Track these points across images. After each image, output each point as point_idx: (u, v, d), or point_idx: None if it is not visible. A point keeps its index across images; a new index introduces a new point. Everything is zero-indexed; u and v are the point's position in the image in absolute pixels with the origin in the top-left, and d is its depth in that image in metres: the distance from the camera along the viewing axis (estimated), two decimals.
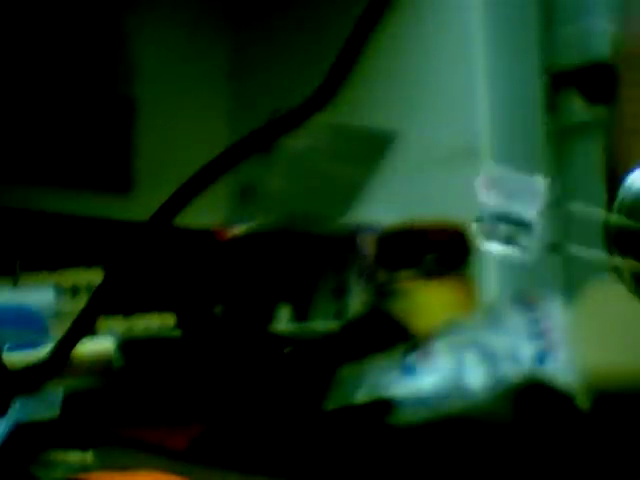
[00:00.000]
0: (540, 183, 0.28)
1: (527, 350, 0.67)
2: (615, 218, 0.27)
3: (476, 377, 0.66)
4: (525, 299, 0.72)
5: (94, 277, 1.04)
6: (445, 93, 1.73)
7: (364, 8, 0.45)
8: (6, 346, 0.67)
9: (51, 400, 0.70)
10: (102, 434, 0.74)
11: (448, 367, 0.67)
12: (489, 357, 0.67)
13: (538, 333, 0.68)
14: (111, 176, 2.30)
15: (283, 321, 0.97)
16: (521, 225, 0.30)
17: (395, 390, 0.67)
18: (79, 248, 1.26)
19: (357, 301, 1.00)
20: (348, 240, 1.04)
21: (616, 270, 0.28)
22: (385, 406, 0.66)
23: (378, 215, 1.12)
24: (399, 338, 0.76)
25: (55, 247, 1.30)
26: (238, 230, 1.02)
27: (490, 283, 1.19)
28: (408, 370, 0.69)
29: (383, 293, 0.96)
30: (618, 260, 0.27)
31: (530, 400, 0.64)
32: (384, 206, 1.14)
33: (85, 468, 0.67)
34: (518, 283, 1.16)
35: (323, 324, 0.93)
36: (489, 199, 0.29)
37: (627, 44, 0.32)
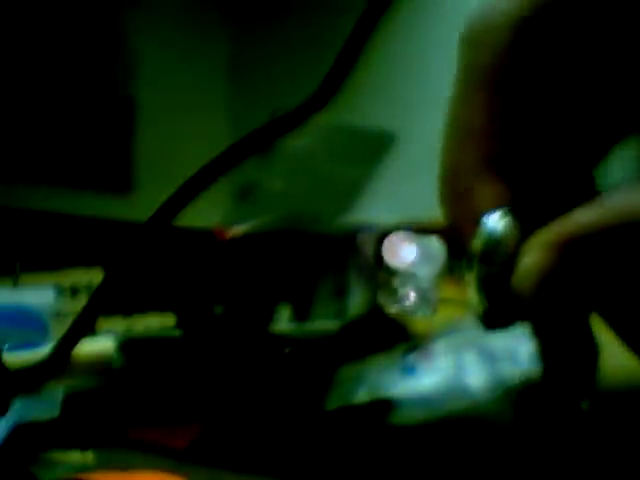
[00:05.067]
0: (436, 245, 0.32)
1: (527, 350, 0.67)
2: (469, 262, 0.30)
3: (476, 377, 0.66)
4: None
5: (94, 277, 1.04)
6: (445, 93, 1.73)
7: (364, 8, 0.45)
8: (6, 346, 0.67)
9: (51, 400, 0.70)
10: (102, 434, 0.74)
11: (448, 367, 0.67)
12: (489, 357, 0.67)
13: None
14: (111, 176, 2.31)
15: (283, 321, 0.97)
16: (419, 284, 0.33)
17: (395, 390, 0.67)
18: (79, 248, 1.26)
19: (357, 301, 1.00)
20: (348, 240, 1.04)
21: (468, 302, 0.31)
22: (385, 406, 0.66)
23: (378, 215, 1.12)
24: (399, 338, 0.76)
25: (55, 247, 1.30)
26: (238, 230, 1.02)
27: None
28: (408, 370, 0.69)
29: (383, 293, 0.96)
30: (472, 295, 0.30)
31: (530, 400, 0.64)
32: (384, 206, 1.14)
33: (85, 468, 0.67)
34: None
35: (323, 324, 0.93)
36: (392, 262, 0.32)
37: None
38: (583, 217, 0.28)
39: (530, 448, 0.61)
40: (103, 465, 0.69)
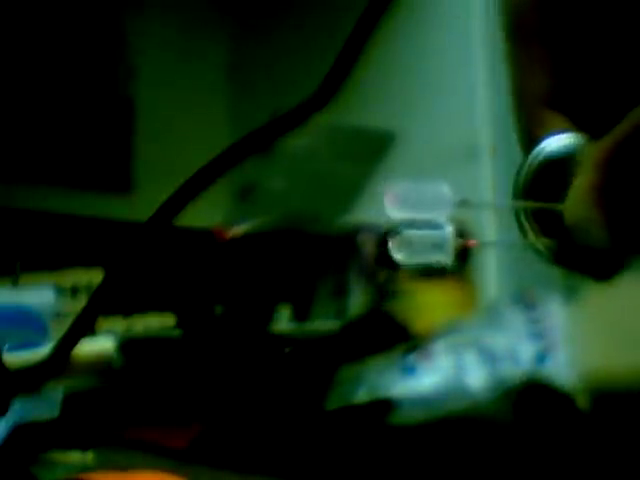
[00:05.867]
0: (445, 189, 0.30)
1: (527, 350, 0.67)
2: (519, 200, 0.29)
3: (476, 377, 0.66)
4: (525, 299, 0.72)
5: (94, 277, 1.04)
6: (445, 93, 1.73)
7: (364, 8, 0.45)
8: (6, 346, 0.67)
9: (51, 400, 0.70)
10: (102, 434, 0.74)
11: (448, 367, 0.67)
12: (489, 357, 0.67)
13: (538, 333, 0.68)
14: (111, 176, 2.30)
15: (283, 321, 0.97)
16: (433, 233, 0.32)
17: (395, 390, 0.67)
18: (79, 248, 1.25)
19: (357, 301, 1.00)
20: (348, 240, 1.04)
21: (532, 248, 0.30)
22: (385, 406, 0.66)
23: (378, 215, 1.11)
24: (399, 338, 0.76)
25: (55, 247, 1.30)
26: (238, 230, 1.02)
27: (490, 283, 1.19)
28: (408, 370, 0.69)
29: (383, 293, 0.96)
30: (532, 237, 0.29)
31: (530, 400, 0.64)
32: (384, 206, 1.14)
33: (85, 468, 0.67)
34: (518, 283, 1.16)
35: (323, 324, 0.93)
36: (398, 214, 0.32)
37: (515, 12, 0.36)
38: (624, 127, 0.28)
39: (530, 448, 0.61)
40: (103, 465, 0.69)
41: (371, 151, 1.20)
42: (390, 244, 0.33)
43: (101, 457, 0.70)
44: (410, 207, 0.31)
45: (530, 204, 0.29)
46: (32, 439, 0.68)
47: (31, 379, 0.59)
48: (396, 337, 0.77)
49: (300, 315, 0.98)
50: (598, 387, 0.63)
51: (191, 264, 1.10)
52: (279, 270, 1.00)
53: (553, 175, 0.29)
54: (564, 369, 0.65)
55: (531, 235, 0.29)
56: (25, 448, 0.67)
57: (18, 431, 0.66)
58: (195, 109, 2.47)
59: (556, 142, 0.29)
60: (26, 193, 2.10)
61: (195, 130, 2.39)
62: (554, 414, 0.63)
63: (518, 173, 0.30)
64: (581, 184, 0.28)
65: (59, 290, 0.99)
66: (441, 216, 0.31)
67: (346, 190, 1.14)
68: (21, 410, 0.65)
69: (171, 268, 1.10)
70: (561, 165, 0.29)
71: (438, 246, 0.32)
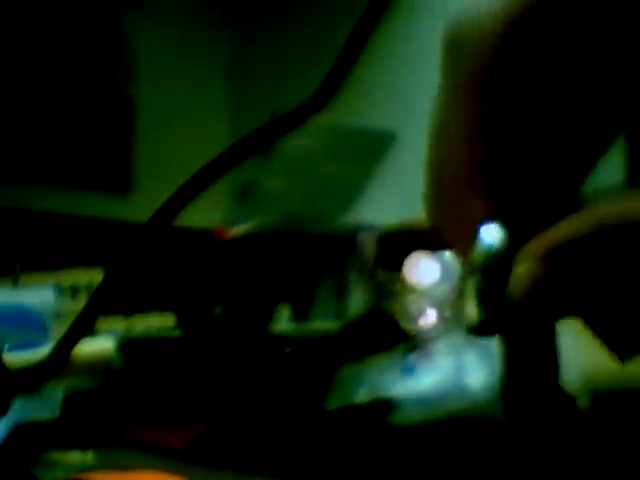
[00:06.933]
0: (451, 262, 0.33)
1: None
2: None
3: (476, 377, 0.66)
4: None
5: (94, 277, 1.04)
6: None
7: (364, 9, 0.45)
8: (6, 346, 0.67)
9: (51, 400, 0.70)
10: (102, 434, 0.74)
11: (448, 367, 0.68)
12: (489, 357, 0.67)
13: None
14: (111, 176, 2.31)
15: (283, 321, 0.97)
16: (437, 303, 0.34)
17: (395, 390, 0.67)
18: (79, 248, 1.26)
19: (357, 301, 1.00)
20: (348, 240, 1.04)
21: (464, 316, 0.33)
22: (385, 406, 0.66)
23: (378, 215, 1.12)
24: (399, 338, 0.76)
25: (55, 247, 1.30)
26: (238, 230, 1.02)
27: None
28: (408, 370, 0.69)
29: (383, 293, 0.96)
30: (469, 309, 0.32)
31: (530, 400, 0.64)
32: (384, 206, 1.14)
33: (85, 468, 0.67)
34: None
35: (323, 324, 0.93)
36: (417, 283, 0.34)
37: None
38: (566, 228, 0.30)
39: (530, 448, 0.61)
40: (103, 465, 0.69)
41: (371, 151, 1.20)
42: (399, 318, 0.36)
43: (101, 457, 0.70)
44: (426, 278, 0.33)
45: (482, 283, 0.32)
46: (32, 439, 0.68)
47: (31, 379, 0.59)
48: (396, 337, 0.77)
49: (300, 315, 0.99)
50: (598, 387, 0.63)
51: (191, 264, 1.10)
52: (279, 270, 1.00)
53: (498, 266, 0.31)
54: (564, 369, 0.65)
55: (471, 305, 0.32)
56: (25, 448, 0.68)
57: (18, 431, 0.66)
58: (195, 109, 2.47)
59: (493, 236, 0.32)
60: (26, 193, 2.10)
61: (195, 130, 2.39)
62: (553, 414, 0.63)
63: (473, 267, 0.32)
64: (520, 274, 0.30)
65: (59, 290, 0.99)
66: (447, 287, 0.33)
67: (346, 190, 1.14)
68: (21, 410, 0.65)
69: (171, 268, 1.10)
70: (504, 257, 0.31)
71: (441, 318, 0.34)
